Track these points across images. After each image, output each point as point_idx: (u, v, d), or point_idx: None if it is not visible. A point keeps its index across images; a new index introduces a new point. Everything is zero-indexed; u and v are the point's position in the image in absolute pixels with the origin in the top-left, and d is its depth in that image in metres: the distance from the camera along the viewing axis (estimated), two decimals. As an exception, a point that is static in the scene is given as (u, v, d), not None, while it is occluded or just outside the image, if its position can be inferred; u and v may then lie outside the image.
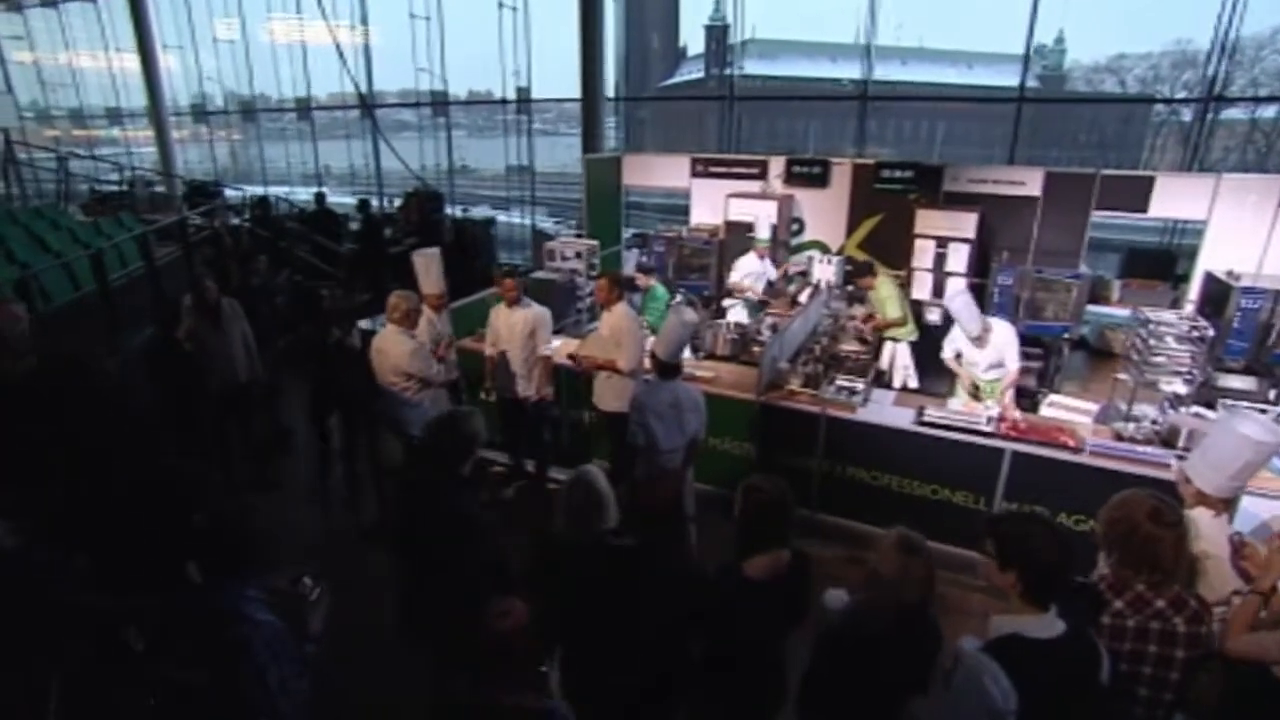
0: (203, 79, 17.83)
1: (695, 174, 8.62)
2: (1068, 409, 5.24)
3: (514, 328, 5.26)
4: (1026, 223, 6.83)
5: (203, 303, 4.89)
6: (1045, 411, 5.34)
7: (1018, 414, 4.88)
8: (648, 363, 4.85)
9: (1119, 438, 4.52)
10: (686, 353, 6.18)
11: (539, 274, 7.37)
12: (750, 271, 7.17)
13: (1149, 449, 4.33)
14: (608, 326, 5.05)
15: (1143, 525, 2.17)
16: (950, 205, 6.92)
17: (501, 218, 14.85)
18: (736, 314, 6.82)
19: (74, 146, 18.78)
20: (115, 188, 13.51)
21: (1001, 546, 1.99)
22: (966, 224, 6.61)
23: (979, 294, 6.83)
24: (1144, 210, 6.62)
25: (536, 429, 5.60)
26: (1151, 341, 4.83)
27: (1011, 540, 1.97)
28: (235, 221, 10.08)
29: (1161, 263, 7.34)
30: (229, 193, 13.54)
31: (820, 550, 4.93)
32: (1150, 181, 6.56)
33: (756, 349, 6.08)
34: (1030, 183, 6.78)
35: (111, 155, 16.82)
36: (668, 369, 4.12)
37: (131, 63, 15.95)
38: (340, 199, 15.64)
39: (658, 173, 9.10)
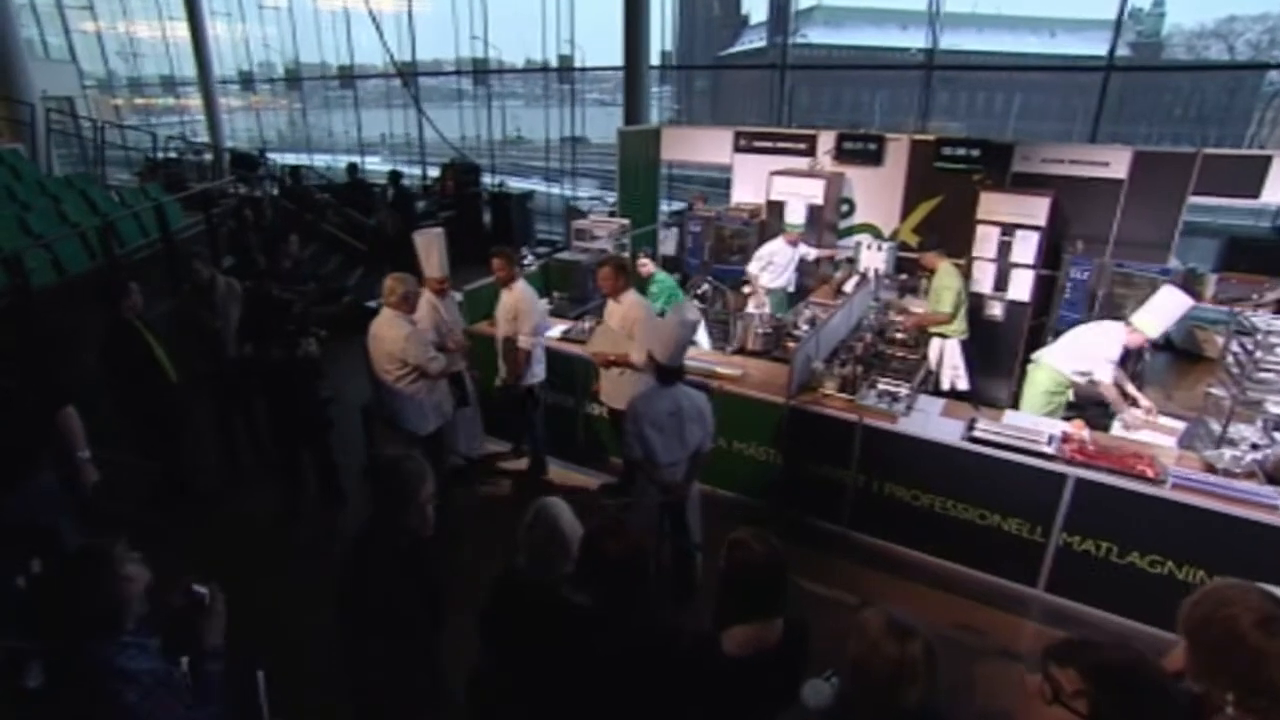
0: (249, 46, 17.93)
1: (738, 149, 8.02)
2: (1146, 426, 4.54)
3: (503, 310, 4.97)
4: (1107, 209, 6.03)
5: (195, 282, 4.67)
6: (1118, 429, 4.67)
7: (1085, 433, 4.23)
8: (633, 357, 4.49)
9: (1210, 469, 3.85)
10: (706, 342, 5.72)
11: (564, 254, 6.95)
12: (772, 260, 6.59)
13: (1249, 486, 3.65)
14: (618, 317, 4.63)
15: (1248, 635, 1.61)
16: (1019, 188, 6.16)
17: (541, 189, 14.45)
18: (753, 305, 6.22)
19: (134, 115, 19.24)
20: (171, 155, 13.68)
21: (1100, 708, 1.39)
22: (1037, 209, 5.85)
23: (1048, 288, 6.12)
24: (1255, 195, 5.73)
25: (525, 418, 5.35)
26: (1259, 354, 4.08)
27: (1114, 701, 1.39)
28: (266, 193, 9.94)
29: (1272, 254, 6.40)
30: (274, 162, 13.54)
31: (852, 571, 4.48)
32: (1266, 161, 5.65)
33: (791, 344, 5.55)
34: (1115, 163, 5.95)
35: (166, 124, 17.15)
36: (668, 373, 3.67)
37: (184, 31, 16.10)
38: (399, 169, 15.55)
39: (699, 147, 8.52)
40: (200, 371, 4.68)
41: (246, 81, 18.52)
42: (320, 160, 15.64)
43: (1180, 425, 4.58)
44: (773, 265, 6.58)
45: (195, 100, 18.02)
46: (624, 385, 4.70)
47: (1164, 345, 7.55)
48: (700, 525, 4.12)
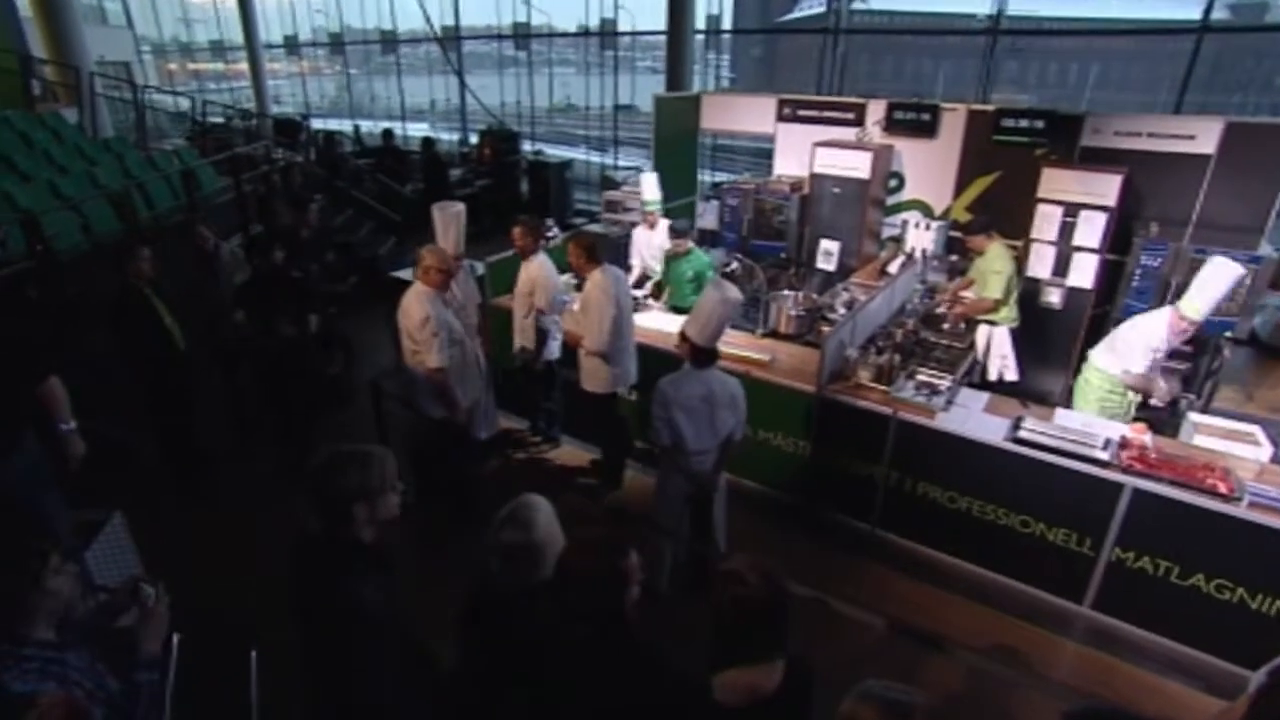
0: (295, 11, 17.90)
1: (782, 118, 7.56)
2: (1222, 434, 4.07)
3: (522, 285, 4.79)
4: (1189, 188, 5.42)
5: (199, 250, 4.59)
6: (1186, 433, 4.21)
7: (1148, 438, 3.81)
8: (584, 340, 4.36)
9: (1295, 487, 3.40)
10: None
11: (592, 227, 6.69)
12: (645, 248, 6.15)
13: (1339, 509, 3.21)
14: (581, 298, 4.48)
15: None
16: (1087, 164, 5.59)
17: (592, 159, 14.12)
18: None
19: (193, 80, 19.54)
20: (219, 120, 13.85)
21: None
22: (1106, 187, 5.29)
23: (1114, 275, 5.59)
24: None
25: (533, 393, 5.25)
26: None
27: None
28: (299, 159, 9.92)
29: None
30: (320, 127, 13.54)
31: (880, 575, 4.18)
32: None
33: (825, 329, 5.20)
34: (1202, 136, 5.33)
35: (220, 90, 17.38)
36: (702, 354, 3.42)
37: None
38: (444, 135, 15.46)
39: (741, 115, 8.06)
40: (205, 340, 4.63)
41: (292, 47, 18.60)
42: (364, 126, 15.61)
43: (1259, 432, 4.09)
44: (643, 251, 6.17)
45: (246, 65, 18.22)
46: (585, 365, 4.57)
47: (1247, 340, 6.91)
48: (726, 529, 3.91)
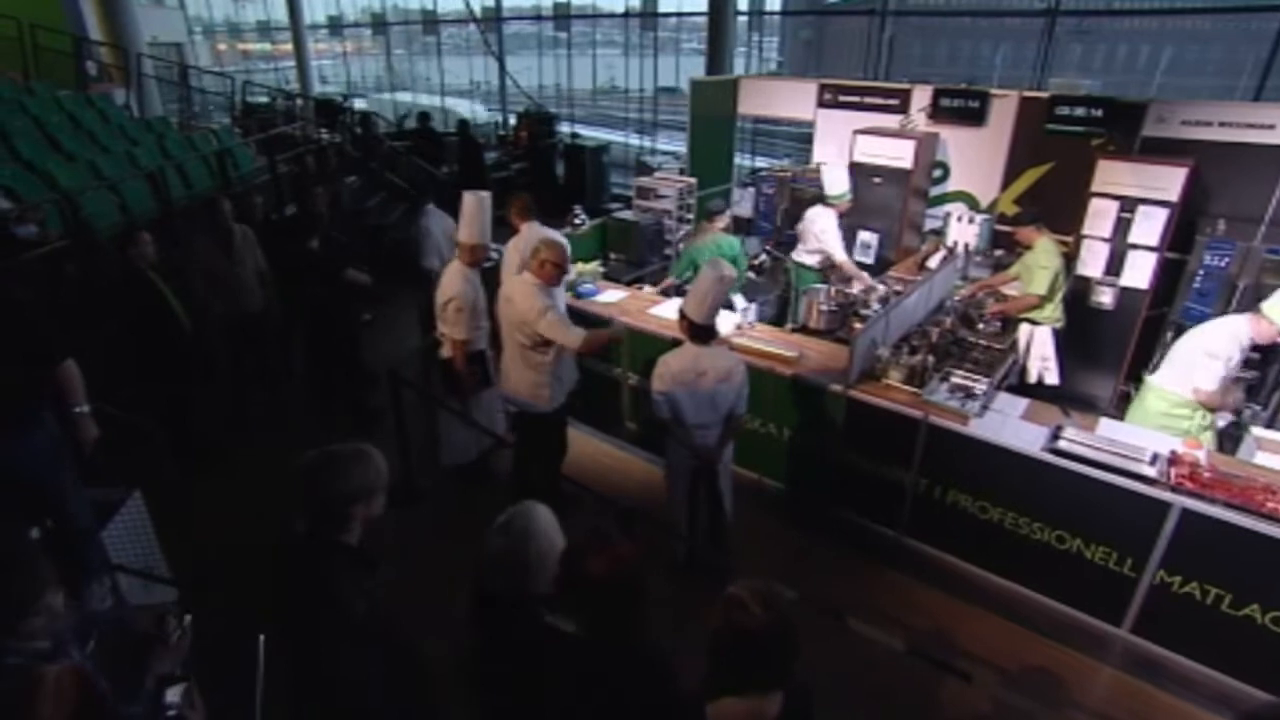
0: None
1: (823, 104, 7.29)
2: (1285, 450, 3.77)
3: None
4: (1266, 182, 5.02)
5: (216, 226, 4.64)
6: (1246, 450, 3.90)
7: (1201, 454, 3.54)
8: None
9: (1372, 516, 3.11)
10: (754, 315, 5.21)
11: (623, 214, 6.57)
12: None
13: None
14: None
15: None
16: (1149, 155, 5.23)
17: (634, 142, 13.94)
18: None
19: (244, 61, 19.91)
20: (263, 100, 14.07)
21: None
22: (1169, 181, 4.92)
23: (1174, 275, 5.23)
24: None
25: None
26: None
27: None
28: (337, 139, 9.98)
29: None
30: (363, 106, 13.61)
31: (904, 585, 4.01)
32: None
33: (858, 325, 4.98)
34: (1282, 125, 4.92)
35: (266, 70, 17.64)
36: (699, 331, 3.50)
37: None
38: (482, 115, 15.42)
39: (779, 100, 7.80)
40: (218, 315, 4.71)
41: (335, 27, 18.79)
42: (404, 106, 15.63)
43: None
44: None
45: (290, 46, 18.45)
46: None
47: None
48: (733, 499, 3.94)
